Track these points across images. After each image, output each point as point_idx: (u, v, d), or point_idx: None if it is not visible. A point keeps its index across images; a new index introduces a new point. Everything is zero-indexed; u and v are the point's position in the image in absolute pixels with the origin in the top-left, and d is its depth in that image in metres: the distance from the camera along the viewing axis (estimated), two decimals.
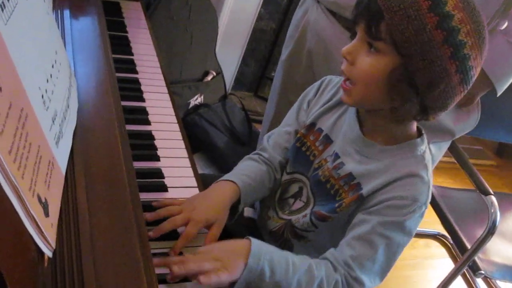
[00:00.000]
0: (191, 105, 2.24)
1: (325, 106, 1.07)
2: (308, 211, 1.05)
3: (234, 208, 1.01)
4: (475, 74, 0.87)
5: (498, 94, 1.31)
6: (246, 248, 0.85)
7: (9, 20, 0.58)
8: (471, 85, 0.88)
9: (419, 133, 0.97)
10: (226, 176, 1.03)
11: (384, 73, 0.86)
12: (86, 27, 1.10)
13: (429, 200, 0.93)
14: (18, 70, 0.59)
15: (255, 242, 0.87)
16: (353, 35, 0.92)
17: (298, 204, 1.09)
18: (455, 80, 0.85)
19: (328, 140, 1.04)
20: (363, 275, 0.90)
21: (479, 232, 1.60)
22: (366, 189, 0.94)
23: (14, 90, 0.57)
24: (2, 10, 0.57)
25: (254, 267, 0.83)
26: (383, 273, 0.93)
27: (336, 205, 0.98)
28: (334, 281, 0.89)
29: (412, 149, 0.95)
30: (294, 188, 1.10)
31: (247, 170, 1.07)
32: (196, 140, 2.16)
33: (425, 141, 0.98)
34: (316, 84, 1.13)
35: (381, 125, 0.96)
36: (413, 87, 0.85)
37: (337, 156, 1.00)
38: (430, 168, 0.96)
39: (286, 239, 1.09)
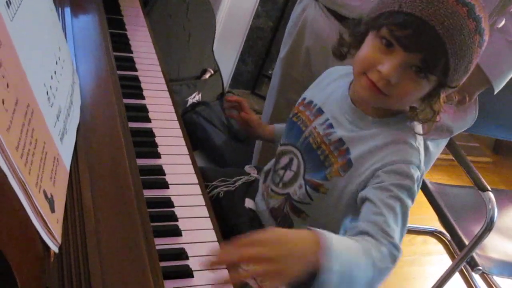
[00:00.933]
0: (189, 103, 2.24)
1: (321, 84, 1.13)
2: (301, 180, 1.07)
3: None
4: None
5: (496, 92, 1.31)
6: (313, 250, 0.70)
7: (14, 16, 0.58)
8: None
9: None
10: None
11: (424, 94, 0.93)
12: (87, 25, 1.10)
13: (422, 166, 0.95)
14: (23, 66, 0.59)
15: (327, 246, 0.71)
16: (388, 45, 0.90)
17: (289, 174, 1.11)
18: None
19: (319, 112, 1.08)
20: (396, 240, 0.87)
21: (477, 229, 1.61)
22: (353, 154, 0.97)
23: (20, 86, 0.58)
24: (8, 6, 0.57)
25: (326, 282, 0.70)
26: (401, 238, 0.90)
27: (327, 171, 1.01)
28: (381, 255, 0.81)
29: (402, 120, 0.99)
30: (284, 160, 1.13)
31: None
32: (194, 138, 2.16)
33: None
34: None
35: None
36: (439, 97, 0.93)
37: (329, 124, 1.04)
38: (420, 138, 0.99)
39: (285, 215, 1.11)
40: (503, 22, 1.25)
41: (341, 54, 1.04)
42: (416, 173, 0.93)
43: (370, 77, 0.91)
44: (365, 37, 0.96)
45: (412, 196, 0.92)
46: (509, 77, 1.29)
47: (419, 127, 1.00)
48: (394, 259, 0.83)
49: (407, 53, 0.87)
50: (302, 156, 1.08)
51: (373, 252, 0.80)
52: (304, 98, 1.14)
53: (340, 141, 1.00)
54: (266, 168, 1.26)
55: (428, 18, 0.85)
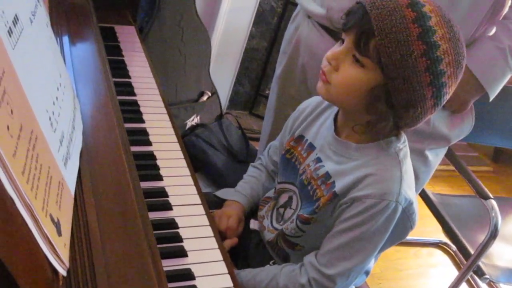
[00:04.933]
0: (187, 126, 2.25)
1: (310, 117, 1.12)
2: (294, 216, 1.08)
3: None
4: (446, 99, 0.92)
5: (491, 99, 1.33)
6: None
7: (16, 45, 0.59)
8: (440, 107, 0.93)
9: (397, 131, 0.98)
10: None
11: (365, 87, 0.90)
12: (86, 52, 1.11)
13: (406, 194, 0.94)
14: (26, 93, 0.60)
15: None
16: (340, 40, 0.94)
17: (289, 212, 1.12)
18: (429, 104, 0.90)
19: (311, 148, 1.08)
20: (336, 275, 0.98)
21: (481, 237, 1.60)
22: (338, 186, 0.97)
23: (24, 112, 0.58)
24: (10, 35, 0.58)
25: None
26: (351, 271, 0.99)
27: (315, 205, 1.01)
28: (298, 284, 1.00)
29: (386, 146, 0.97)
30: (284, 198, 1.14)
31: (248, 182, 1.25)
32: (194, 160, 2.17)
33: (403, 139, 1.00)
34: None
35: (357, 126, 0.98)
36: (390, 106, 0.90)
37: (319, 160, 1.04)
38: (406, 164, 0.98)
39: (280, 248, 1.11)
40: (493, 30, 1.27)
41: None
42: (390, 207, 0.93)
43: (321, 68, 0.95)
44: None
45: (382, 232, 0.95)
46: (503, 84, 1.31)
47: (404, 152, 0.99)
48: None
49: (345, 35, 0.91)
50: (299, 194, 1.09)
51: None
52: (294, 134, 1.14)
53: (327, 174, 1.00)
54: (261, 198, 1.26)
55: (363, 0, 0.89)
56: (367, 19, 0.86)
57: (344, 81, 0.91)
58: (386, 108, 0.90)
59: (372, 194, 0.93)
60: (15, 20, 0.61)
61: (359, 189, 0.95)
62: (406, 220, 0.97)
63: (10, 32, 0.59)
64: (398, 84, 0.86)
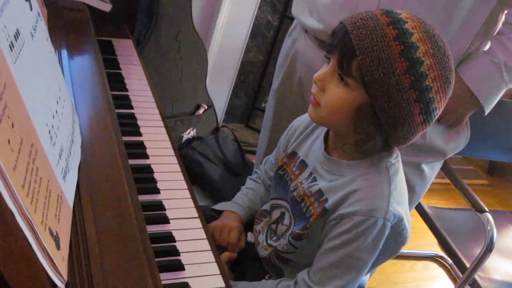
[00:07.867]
0: (184, 139, 2.25)
1: (303, 134, 1.12)
2: (288, 232, 1.08)
3: None
4: (437, 114, 0.92)
5: (486, 113, 1.34)
6: None
7: (17, 59, 0.60)
8: (433, 122, 0.92)
9: (389, 148, 0.98)
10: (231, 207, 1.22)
11: (351, 106, 0.90)
12: (84, 65, 1.12)
13: (393, 211, 0.94)
14: (27, 107, 0.60)
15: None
16: (327, 58, 0.95)
17: (281, 228, 1.12)
18: (418, 120, 0.89)
19: (304, 165, 1.08)
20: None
21: (477, 251, 1.61)
22: (329, 202, 0.97)
23: (24, 126, 0.59)
24: (11, 49, 0.59)
25: None
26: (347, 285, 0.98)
27: (307, 222, 1.01)
28: None
29: (377, 162, 0.97)
30: (276, 214, 1.14)
31: (246, 194, 1.26)
32: (191, 173, 2.16)
33: (395, 154, 0.99)
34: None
35: (345, 145, 0.99)
36: (378, 125, 0.89)
37: (314, 179, 1.04)
38: (397, 180, 0.97)
39: (274, 264, 1.11)
40: (488, 45, 1.29)
41: None
42: (379, 224, 0.92)
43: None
44: None
45: (369, 250, 0.94)
46: (498, 98, 1.32)
47: (395, 167, 0.99)
48: None
49: (331, 57, 0.91)
50: (291, 210, 1.09)
51: None
52: (287, 150, 1.15)
53: (320, 192, 1.00)
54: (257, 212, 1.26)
55: (345, 20, 0.89)
56: (349, 39, 0.87)
57: (331, 101, 0.92)
58: (374, 127, 0.90)
59: (359, 210, 0.93)
60: (17, 34, 0.62)
61: (347, 205, 0.95)
62: (397, 236, 0.96)
63: (11, 46, 0.59)
64: (383, 102, 0.86)
